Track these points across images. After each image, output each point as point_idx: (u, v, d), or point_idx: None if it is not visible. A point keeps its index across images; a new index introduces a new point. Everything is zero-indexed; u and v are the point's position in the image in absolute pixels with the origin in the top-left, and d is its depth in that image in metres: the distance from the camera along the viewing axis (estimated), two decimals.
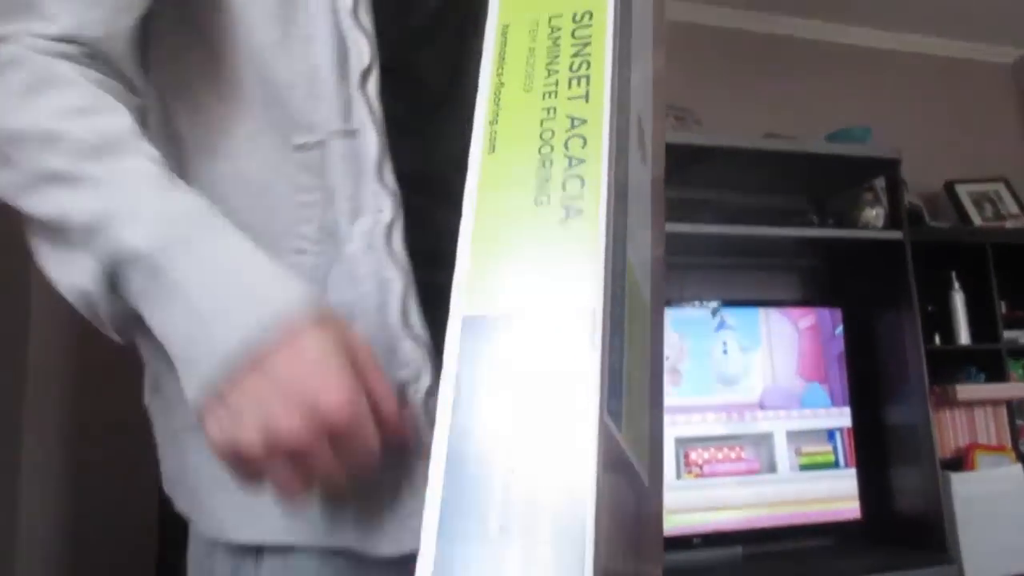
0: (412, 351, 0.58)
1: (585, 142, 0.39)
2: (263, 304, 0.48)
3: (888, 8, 3.12)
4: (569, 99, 0.42)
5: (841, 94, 3.13)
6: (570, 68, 0.44)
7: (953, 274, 2.80)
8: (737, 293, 2.69)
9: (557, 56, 0.46)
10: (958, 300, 2.78)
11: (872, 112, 3.04)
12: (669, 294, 2.53)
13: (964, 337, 2.76)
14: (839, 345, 2.65)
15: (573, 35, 0.47)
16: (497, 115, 0.45)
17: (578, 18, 0.47)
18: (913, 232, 2.64)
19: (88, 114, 0.52)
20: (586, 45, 0.45)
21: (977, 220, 3.02)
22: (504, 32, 0.50)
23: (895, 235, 2.61)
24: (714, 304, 2.55)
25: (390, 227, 0.58)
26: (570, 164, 0.39)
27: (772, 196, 2.80)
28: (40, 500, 1.98)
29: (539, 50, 0.47)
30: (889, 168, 2.68)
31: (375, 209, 0.57)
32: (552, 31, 0.48)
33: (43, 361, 2.00)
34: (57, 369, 1.99)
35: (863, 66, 3.26)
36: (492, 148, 0.43)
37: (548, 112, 0.42)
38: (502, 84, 0.46)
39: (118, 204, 0.50)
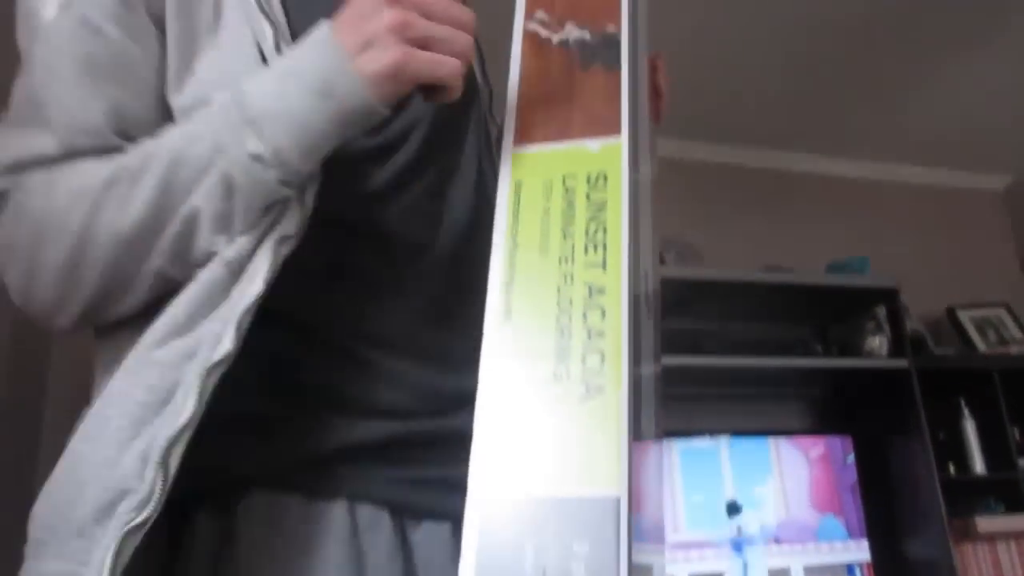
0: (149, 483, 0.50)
1: (604, 313, 0.39)
2: (319, 29, 0.54)
3: (878, 140, 3.23)
4: (586, 266, 0.41)
5: (838, 225, 3.19)
6: (586, 233, 0.44)
7: (962, 400, 2.77)
8: (745, 424, 2.65)
9: (573, 218, 0.46)
10: (969, 428, 2.73)
11: (870, 241, 3.08)
12: (678, 426, 2.49)
13: (979, 466, 2.69)
14: (852, 474, 2.58)
15: (588, 198, 0.47)
16: (512, 278, 0.44)
17: (592, 180, 0.48)
18: (918, 360, 2.62)
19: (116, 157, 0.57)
20: (601, 209, 0.45)
21: (981, 346, 3.01)
22: (517, 190, 0.50)
23: (900, 363, 2.60)
24: (724, 437, 2.50)
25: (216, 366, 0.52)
26: (589, 336, 0.38)
27: (775, 326, 2.80)
28: None
29: (554, 211, 0.47)
30: (889, 297, 2.69)
31: (212, 342, 0.52)
32: (567, 192, 0.48)
33: (64, 361, 1.97)
34: (78, 367, 1.97)
35: (858, 197, 3.33)
36: (508, 314, 0.42)
37: (565, 279, 0.41)
38: (516, 245, 0.46)
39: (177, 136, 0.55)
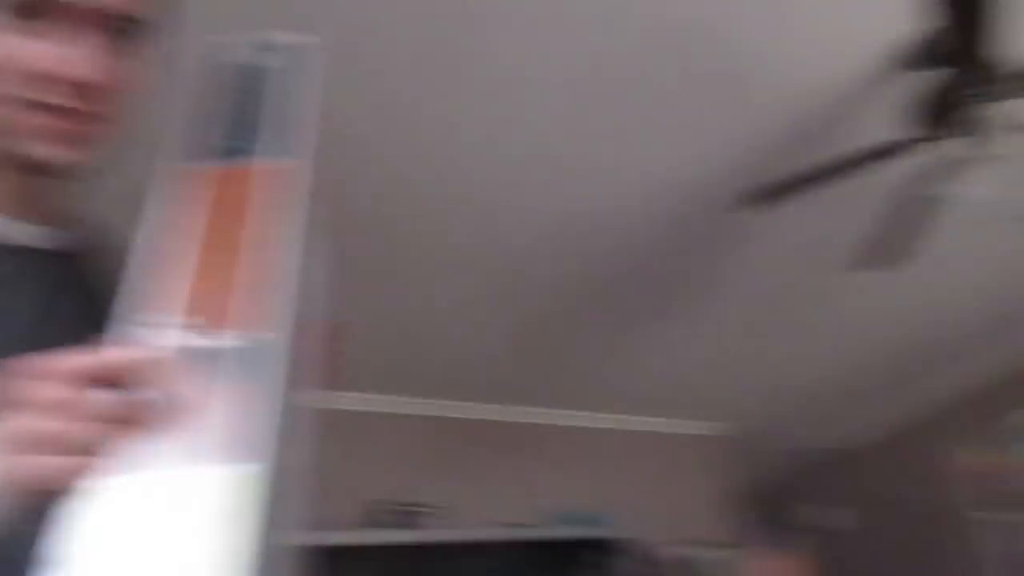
0: None
1: None
2: None
3: (603, 393, 3.43)
4: None
5: (567, 474, 3.27)
6: None
7: None
8: None
9: None
10: None
11: (600, 489, 3.20)
12: None
13: None
14: None
15: None
16: None
17: None
18: None
19: None
20: None
21: None
22: None
23: None
24: None
25: None
26: None
27: None
28: None
29: None
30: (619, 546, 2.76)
31: None
32: None
33: None
34: None
35: (588, 446, 3.47)
36: None
37: None
38: None
39: None
